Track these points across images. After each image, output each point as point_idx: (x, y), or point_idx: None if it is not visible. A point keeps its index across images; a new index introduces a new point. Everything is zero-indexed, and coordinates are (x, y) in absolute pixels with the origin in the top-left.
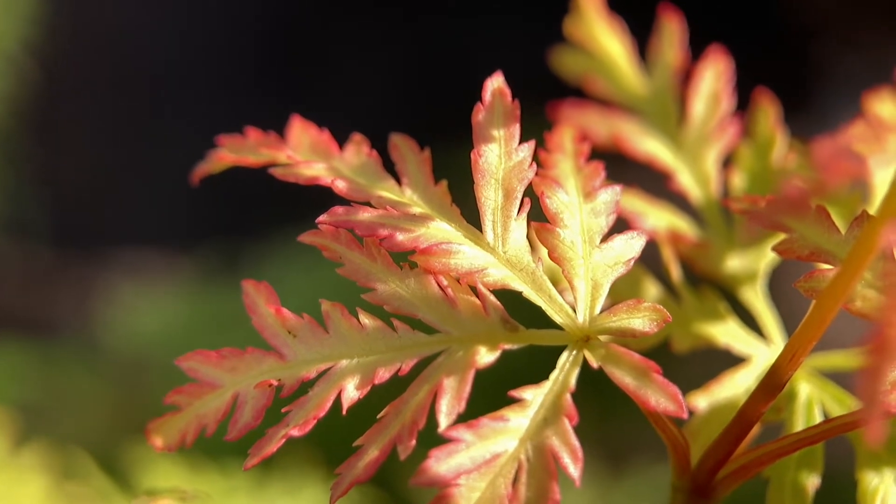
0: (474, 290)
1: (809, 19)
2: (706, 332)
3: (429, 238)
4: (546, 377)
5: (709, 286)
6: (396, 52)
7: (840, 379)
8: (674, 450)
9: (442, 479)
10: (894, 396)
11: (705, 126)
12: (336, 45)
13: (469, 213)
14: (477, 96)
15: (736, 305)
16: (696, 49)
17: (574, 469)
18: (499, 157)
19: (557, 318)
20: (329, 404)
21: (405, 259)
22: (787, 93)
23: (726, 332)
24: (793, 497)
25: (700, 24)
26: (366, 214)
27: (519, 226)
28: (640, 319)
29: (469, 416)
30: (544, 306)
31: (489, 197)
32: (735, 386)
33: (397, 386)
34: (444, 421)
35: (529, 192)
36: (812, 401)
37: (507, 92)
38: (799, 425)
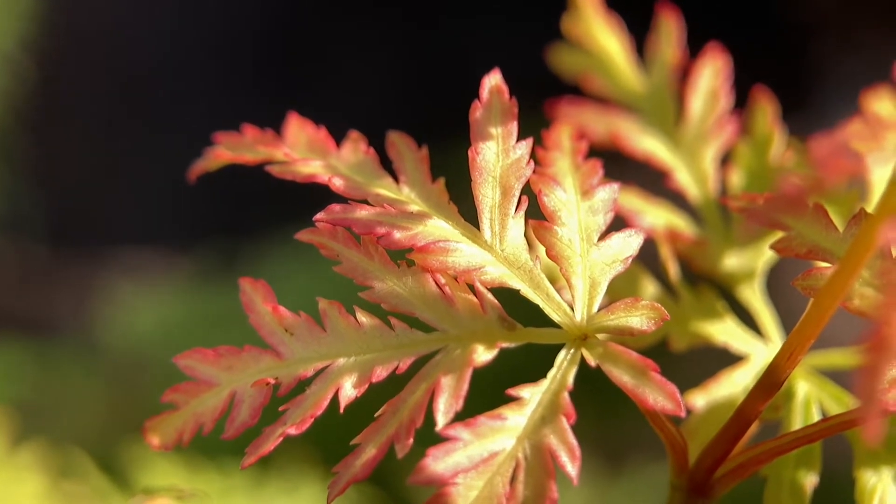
0: (472, 289)
1: (808, 18)
2: (704, 331)
3: (426, 236)
4: (544, 376)
5: (707, 284)
6: (395, 51)
7: (838, 377)
8: (672, 448)
9: (439, 478)
10: (892, 394)
11: (703, 124)
12: (335, 44)
13: (467, 212)
14: (475, 95)
15: (734, 304)
16: (696, 48)
17: (572, 468)
18: (496, 154)
19: (555, 317)
20: (326, 403)
21: (403, 257)
22: (785, 92)
23: (724, 331)
24: (790, 496)
25: (699, 23)
26: (363, 212)
27: (517, 224)
28: (638, 318)
29: (467, 414)
30: (542, 304)
31: (487, 195)
32: (733, 384)
33: (395, 384)
34: (441, 419)
35: (527, 190)
36: (810, 399)
37: (505, 89)
38: (797, 424)
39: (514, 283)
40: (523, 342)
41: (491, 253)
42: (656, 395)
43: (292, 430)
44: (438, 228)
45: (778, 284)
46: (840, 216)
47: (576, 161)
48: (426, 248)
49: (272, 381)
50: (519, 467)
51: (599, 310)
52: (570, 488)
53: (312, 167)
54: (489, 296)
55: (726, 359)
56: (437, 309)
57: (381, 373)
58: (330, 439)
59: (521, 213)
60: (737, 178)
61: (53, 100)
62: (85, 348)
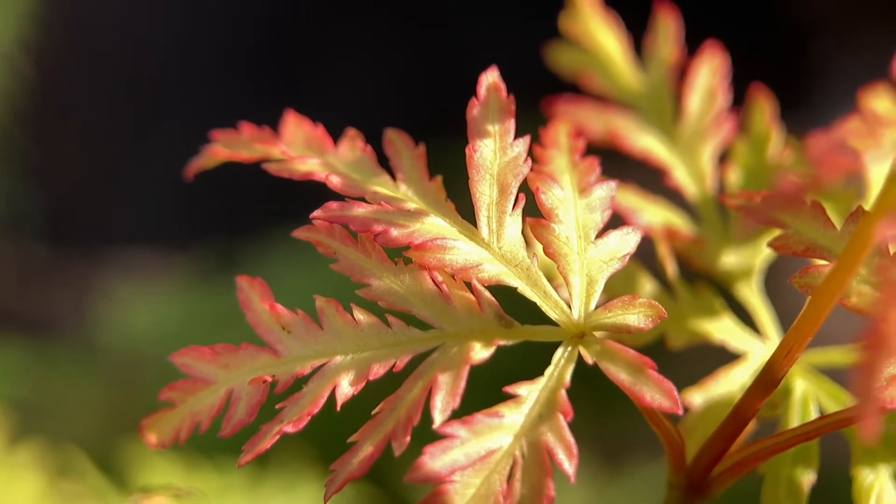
0: (469, 286)
1: (808, 18)
2: (702, 329)
3: (423, 234)
4: (542, 374)
5: (704, 282)
6: (395, 50)
7: (836, 375)
8: (669, 446)
9: (436, 476)
10: (889, 392)
11: (701, 122)
12: (335, 44)
13: (466, 210)
14: (473, 94)
15: (731, 302)
16: (694, 47)
17: (569, 465)
18: (494, 152)
19: (552, 314)
20: (323, 401)
21: (400, 255)
22: (785, 91)
23: (722, 329)
24: (788, 494)
25: (698, 22)
26: (360, 210)
27: (514, 221)
28: (636, 315)
29: (465, 412)
30: (539, 302)
31: (484, 192)
32: (730, 382)
33: (392, 382)
34: (438, 417)
35: (525, 187)
36: (808, 397)
37: (502, 87)
38: (794, 422)
39: (512, 280)
40: (520, 340)
41: (488, 251)
42: (653, 392)
43: (289, 428)
44: (436, 226)
45: (776, 282)
46: (838, 214)
47: (573, 159)
48: (423, 245)
49: (269, 379)
50: (516, 465)
51: (597, 307)
52: (569, 487)
53: (309, 165)
54: (486, 293)
55: (724, 357)
56: (435, 306)
57: (378, 370)
58: (328, 437)
59: (519, 210)
60: (734, 176)
61: (52, 99)
62: (84, 348)
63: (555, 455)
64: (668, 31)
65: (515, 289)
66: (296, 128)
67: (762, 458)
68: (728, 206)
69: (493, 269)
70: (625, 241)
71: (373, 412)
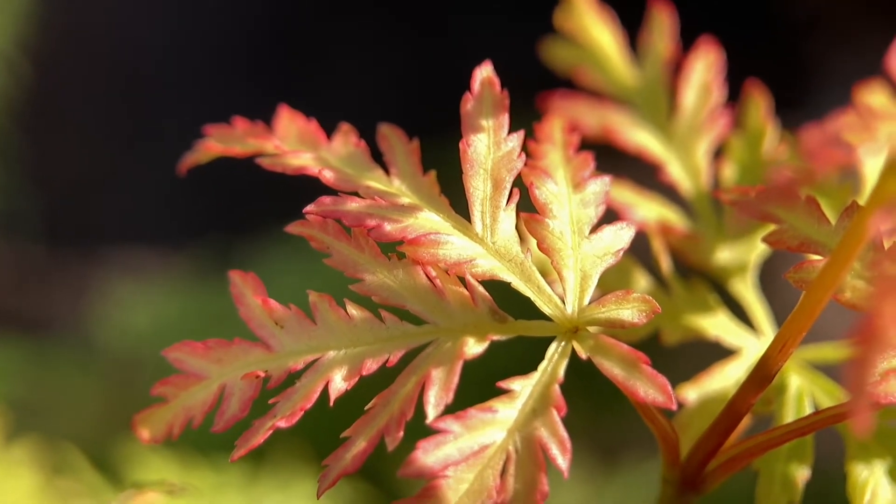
0: (463, 281)
1: (803, 15)
2: (696, 324)
3: (417, 228)
4: (535, 369)
5: (699, 278)
6: (394, 50)
7: (831, 371)
8: (663, 442)
9: (429, 471)
10: (883, 387)
11: (696, 117)
12: (334, 44)
13: (461, 206)
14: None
15: (726, 297)
16: (690, 43)
17: (562, 460)
18: (487, 147)
19: (546, 309)
20: (316, 396)
21: (393, 250)
22: (781, 89)
23: (716, 324)
24: (782, 489)
25: (693, 19)
26: (353, 204)
27: (508, 216)
28: (629, 310)
29: (459, 408)
30: (533, 297)
31: (478, 187)
32: (725, 378)
33: (385, 377)
34: (431, 412)
35: (519, 182)
36: (802, 393)
37: (496, 81)
38: (789, 417)
39: (506, 275)
40: (514, 335)
41: (482, 245)
42: (647, 387)
43: (282, 423)
44: (429, 221)
45: (770, 278)
46: (833, 209)
47: (567, 154)
48: (417, 240)
49: (262, 374)
50: (509, 460)
51: (591, 302)
52: (565, 483)
53: (302, 159)
54: (480, 288)
55: (718, 352)
56: (428, 301)
57: (371, 366)
58: (323, 434)
59: (513, 205)
60: (729, 172)
61: (50, 99)
62: (81, 346)
63: (548, 450)
64: (663, 26)
65: (509, 284)
66: (289, 122)
67: (756, 453)
68: (723, 202)
69: (487, 264)
70: (619, 237)
71: (366, 407)
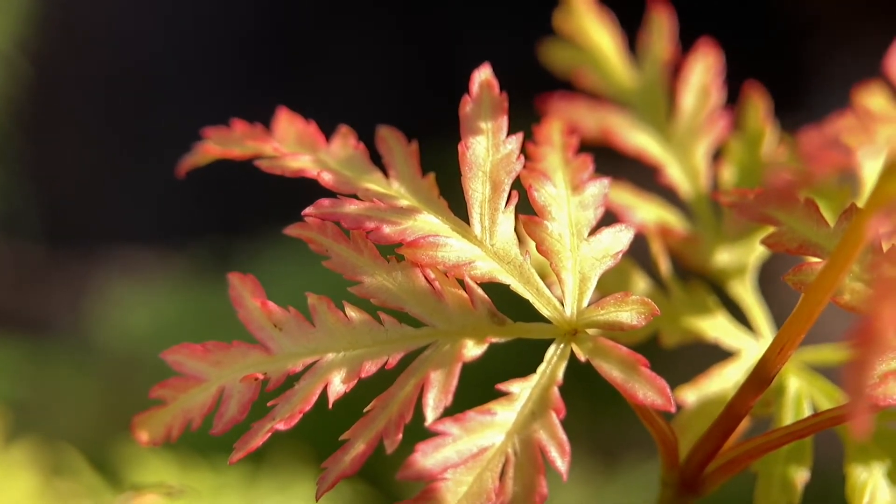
0: (462, 284)
1: (803, 17)
2: (695, 326)
3: (416, 231)
4: (534, 371)
5: (698, 280)
6: (394, 51)
7: (830, 373)
8: (662, 444)
9: (428, 473)
10: (881, 389)
11: (695, 119)
12: (334, 44)
13: (459, 208)
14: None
15: (725, 299)
16: (689, 46)
17: (561, 463)
18: (486, 149)
19: (545, 312)
20: (315, 398)
21: (392, 252)
22: (781, 91)
23: (715, 326)
24: (781, 491)
25: (693, 21)
26: (352, 207)
27: (507, 218)
28: (628, 313)
29: (458, 410)
30: (532, 299)
31: (476, 189)
32: (724, 380)
33: (384, 380)
34: (430, 415)
35: (517, 185)
36: (801, 395)
37: (495, 84)
38: (788, 419)
39: (504, 277)
40: (513, 337)
41: (481, 248)
42: (646, 389)
43: (281, 426)
44: (428, 223)
45: (769, 280)
46: (832, 211)
47: (566, 156)
48: (416, 242)
49: (260, 377)
50: (508, 462)
51: (589, 305)
52: (564, 485)
53: (301, 162)
54: (479, 291)
55: (717, 354)
56: (427, 304)
57: (370, 368)
58: (323, 437)
59: (512, 207)
60: (728, 174)
61: (49, 99)
62: (80, 346)
63: (547, 452)
64: (662, 28)
65: (508, 286)
66: (288, 125)
67: (755, 455)
68: (722, 204)
69: (486, 267)
70: (618, 239)
71: (365, 410)
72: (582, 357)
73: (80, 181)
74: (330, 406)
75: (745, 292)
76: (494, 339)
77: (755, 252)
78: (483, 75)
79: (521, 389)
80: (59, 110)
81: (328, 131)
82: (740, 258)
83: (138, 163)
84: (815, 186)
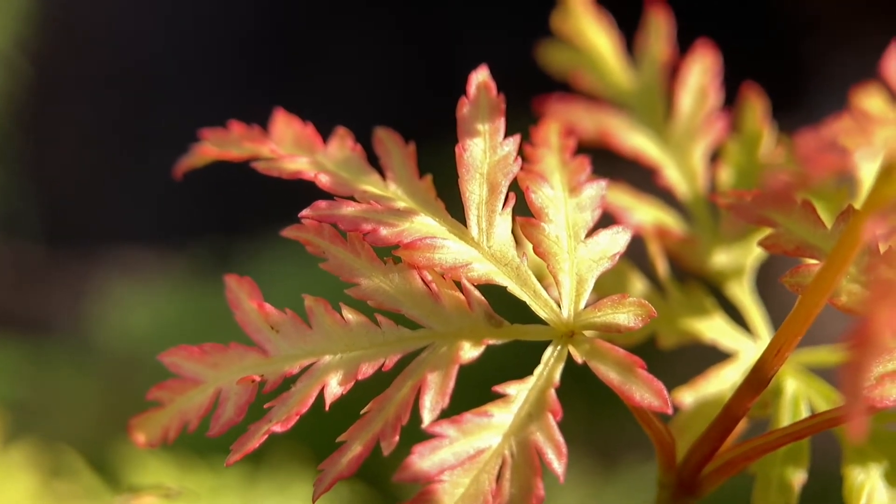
0: (459, 285)
1: (802, 18)
2: (692, 328)
3: (413, 233)
4: (531, 373)
5: (695, 281)
6: (394, 52)
7: (827, 375)
8: (659, 446)
9: (425, 475)
10: (878, 391)
11: (692, 121)
12: (334, 45)
13: (457, 210)
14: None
15: (722, 301)
16: (687, 47)
17: (558, 465)
18: (483, 151)
19: (542, 314)
20: (312, 400)
21: (389, 254)
22: (779, 91)
23: (713, 328)
24: (779, 493)
25: (691, 22)
26: (349, 209)
27: (504, 220)
28: (625, 314)
29: (455, 412)
30: (529, 301)
31: (473, 191)
32: (721, 381)
33: (381, 382)
34: (427, 417)
35: (514, 186)
36: (799, 396)
37: (492, 85)
38: (785, 421)
39: (501, 279)
40: (510, 339)
41: (478, 250)
42: (643, 391)
43: (277, 428)
44: (425, 225)
45: (767, 282)
46: (829, 213)
47: (563, 158)
48: (413, 244)
49: (258, 379)
50: (505, 464)
51: (587, 307)
52: (562, 487)
53: (298, 164)
54: (476, 293)
55: (715, 356)
56: (424, 306)
57: (367, 370)
58: (321, 438)
59: (509, 209)
60: (726, 175)
61: (49, 99)
62: (79, 347)
63: (544, 454)
64: (659, 30)
65: (505, 288)
66: (285, 126)
67: (753, 457)
68: (719, 205)
69: (483, 269)
70: (615, 240)
71: (362, 412)
72: (579, 359)
73: (80, 181)
74: (327, 408)
75: (743, 294)
76: (491, 341)
77: (753, 253)
78: (480, 77)
79: (518, 391)
80: (59, 110)
81: (328, 131)
82: (738, 260)
83: (138, 163)
84: (812, 188)
